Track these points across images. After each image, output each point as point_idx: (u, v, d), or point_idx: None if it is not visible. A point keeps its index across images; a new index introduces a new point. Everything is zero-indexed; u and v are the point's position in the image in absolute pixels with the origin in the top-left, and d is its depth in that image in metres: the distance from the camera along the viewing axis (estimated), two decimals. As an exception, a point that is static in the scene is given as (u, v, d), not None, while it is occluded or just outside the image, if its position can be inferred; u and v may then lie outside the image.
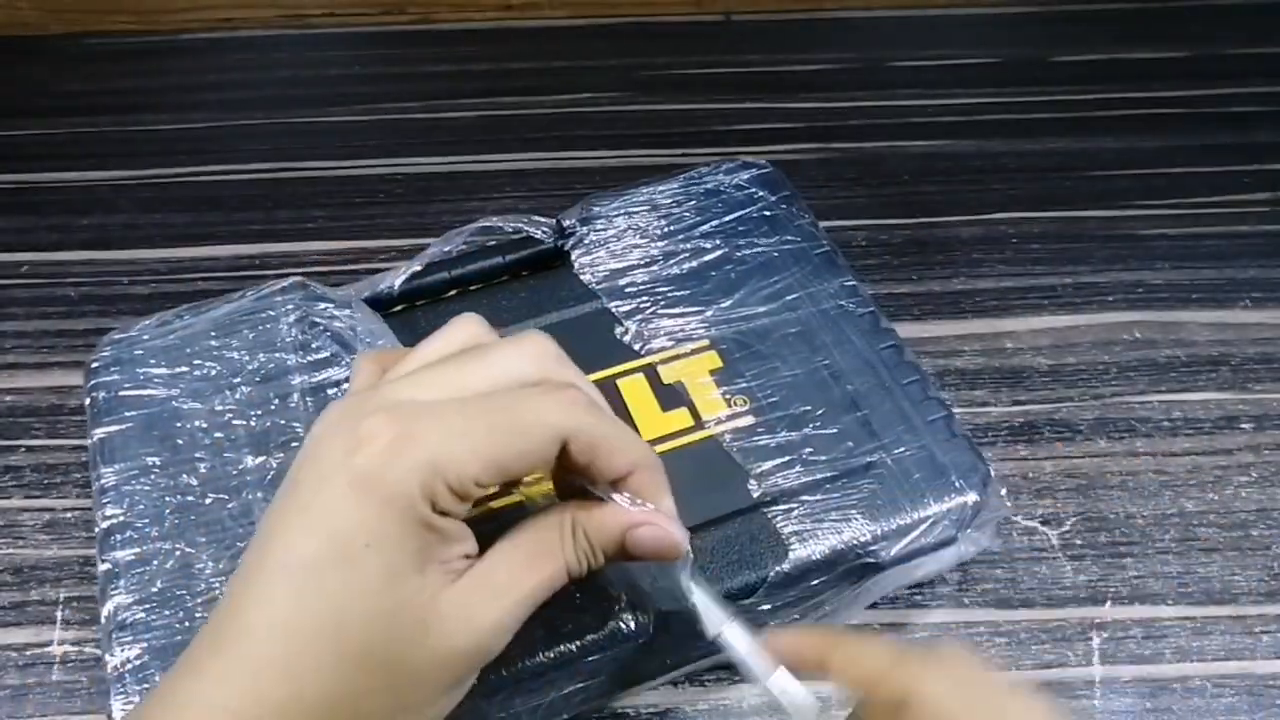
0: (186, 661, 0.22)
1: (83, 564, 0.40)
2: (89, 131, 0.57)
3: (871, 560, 0.33)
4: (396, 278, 0.40)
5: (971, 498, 0.34)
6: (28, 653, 0.37)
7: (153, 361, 0.37)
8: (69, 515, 0.41)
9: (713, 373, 0.37)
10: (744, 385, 0.37)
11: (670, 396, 0.36)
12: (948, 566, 0.36)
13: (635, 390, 0.37)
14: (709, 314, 0.39)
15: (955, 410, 0.44)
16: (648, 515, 0.25)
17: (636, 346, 0.38)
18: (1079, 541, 0.40)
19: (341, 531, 0.21)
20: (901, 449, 0.35)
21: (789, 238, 0.42)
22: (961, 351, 0.46)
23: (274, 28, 0.64)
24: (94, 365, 0.37)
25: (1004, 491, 0.36)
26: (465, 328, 0.26)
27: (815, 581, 0.33)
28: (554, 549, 0.24)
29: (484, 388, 0.24)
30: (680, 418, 0.36)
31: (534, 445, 0.23)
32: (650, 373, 0.37)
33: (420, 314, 0.40)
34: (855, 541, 0.33)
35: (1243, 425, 0.44)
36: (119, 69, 0.62)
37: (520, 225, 0.41)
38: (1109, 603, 0.38)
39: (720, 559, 0.33)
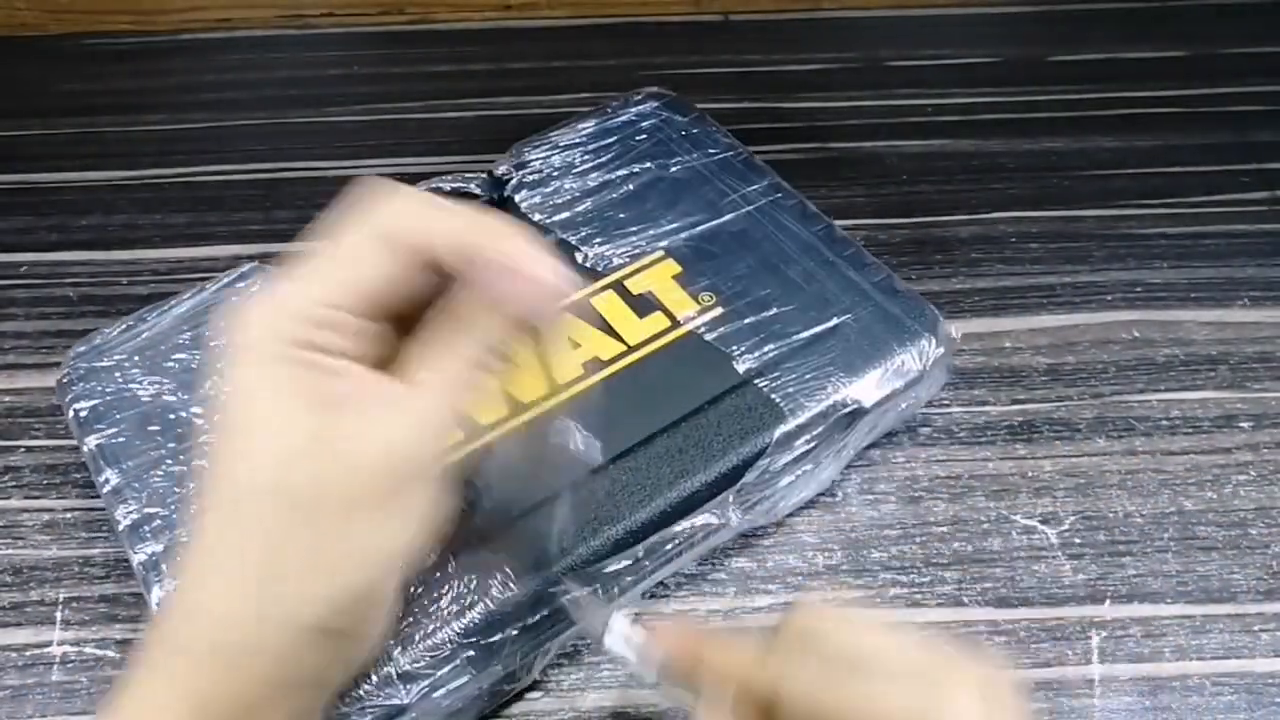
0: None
1: (83, 564, 0.40)
2: (89, 131, 0.57)
3: (856, 407, 0.37)
4: None
5: (927, 337, 0.39)
6: (27, 653, 0.37)
7: (129, 365, 0.38)
8: (69, 515, 0.41)
9: (675, 278, 0.41)
10: (706, 283, 0.41)
11: (643, 305, 0.40)
12: (920, 405, 0.42)
13: (609, 305, 0.40)
14: (657, 229, 0.43)
15: (955, 409, 0.44)
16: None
17: (599, 268, 0.41)
18: (1078, 540, 0.40)
19: (248, 395, 0.23)
20: (858, 309, 0.40)
21: (710, 150, 0.46)
22: (960, 351, 0.46)
23: (273, 28, 0.64)
24: (65, 380, 0.38)
25: (952, 330, 0.41)
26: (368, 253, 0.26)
27: (811, 435, 0.37)
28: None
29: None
30: (657, 320, 0.40)
31: (382, 256, 0.24)
32: (619, 287, 0.40)
33: None
34: (839, 394, 0.37)
35: (1241, 424, 0.44)
36: (119, 69, 0.62)
37: (457, 185, 0.44)
38: (1108, 601, 0.38)
39: (725, 433, 0.36)
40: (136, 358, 0.39)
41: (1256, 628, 0.38)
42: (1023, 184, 0.54)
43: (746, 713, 0.25)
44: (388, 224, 0.24)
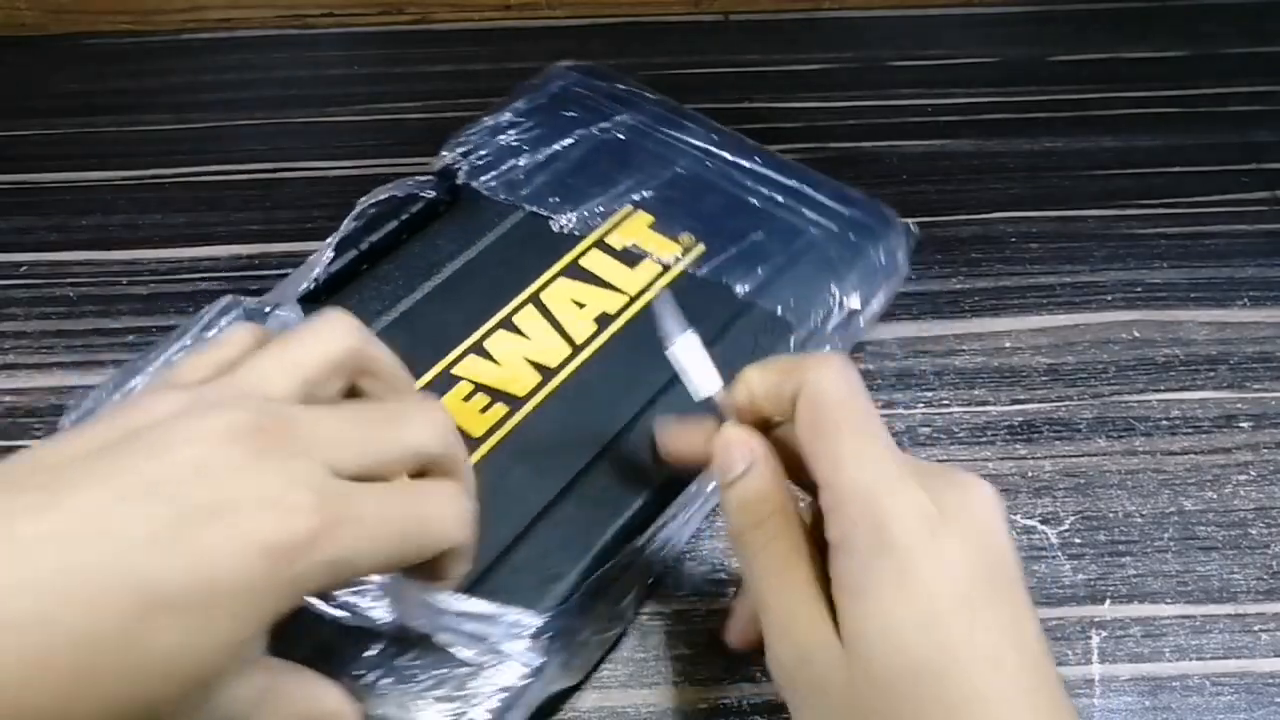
0: None
1: (83, 564, 0.40)
2: (89, 131, 0.57)
3: (852, 308, 0.41)
4: (313, 270, 0.40)
5: (889, 232, 0.44)
6: (28, 652, 0.37)
7: None
8: (69, 515, 0.41)
9: (650, 227, 0.43)
10: (681, 226, 0.43)
11: (629, 256, 0.42)
12: (896, 289, 0.45)
13: (599, 262, 0.42)
14: (618, 186, 0.44)
15: (954, 409, 0.44)
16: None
17: (578, 233, 0.43)
18: (1078, 540, 0.40)
19: (225, 588, 0.20)
20: (824, 220, 0.44)
21: (640, 107, 0.49)
22: (960, 351, 0.47)
23: (273, 28, 0.64)
24: None
25: (910, 225, 0.45)
26: (340, 335, 0.25)
27: (820, 339, 0.40)
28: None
29: (402, 457, 0.24)
30: (648, 268, 0.42)
31: (427, 555, 0.24)
32: (601, 245, 0.42)
33: (356, 293, 0.41)
34: (833, 297, 0.41)
35: (1241, 424, 0.44)
36: (119, 69, 0.62)
37: (411, 191, 0.44)
38: (1108, 601, 0.38)
39: (740, 356, 0.36)
40: None
41: (1256, 628, 0.38)
42: (1023, 184, 0.54)
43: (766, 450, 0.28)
44: (460, 540, 0.25)
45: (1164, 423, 0.44)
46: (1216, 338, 0.47)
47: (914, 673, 0.23)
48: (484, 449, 0.36)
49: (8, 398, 0.45)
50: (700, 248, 0.42)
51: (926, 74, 0.61)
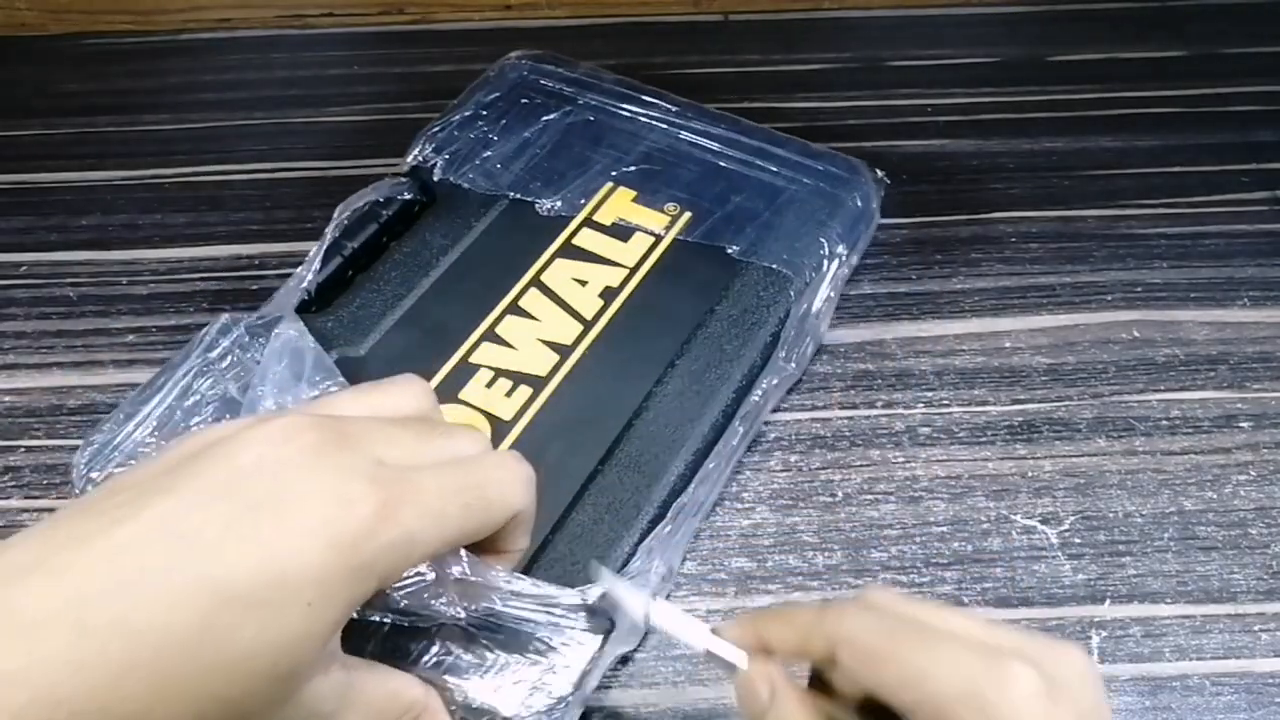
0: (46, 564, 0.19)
1: (83, 564, 0.40)
2: (89, 131, 0.57)
3: (840, 254, 0.43)
4: (303, 280, 0.40)
5: (861, 181, 0.46)
6: (28, 652, 0.37)
7: (149, 442, 0.35)
8: (69, 515, 0.41)
9: (634, 201, 0.44)
10: (664, 197, 0.44)
11: (620, 231, 0.43)
12: (872, 236, 0.47)
13: (592, 239, 0.42)
14: (595, 166, 0.45)
15: (954, 409, 0.44)
16: None
17: (565, 214, 0.43)
18: (1078, 540, 0.40)
19: (294, 580, 0.20)
20: (799, 177, 0.46)
21: (599, 88, 0.49)
22: (960, 351, 0.47)
23: (273, 28, 0.64)
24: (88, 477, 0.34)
25: (877, 171, 0.47)
26: (414, 395, 0.27)
27: (815, 287, 0.42)
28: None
29: (448, 457, 0.25)
30: (640, 240, 0.42)
31: (492, 525, 0.25)
32: (590, 224, 0.43)
33: (356, 296, 0.41)
34: (823, 245, 0.43)
35: (1241, 424, 0.44)
36: (119, 69, 0.62)
37: (387, 195, 0.45)
38: (1108, 601, 0.38)
39: (748, 314, 0.40)
40: (153, 434, 0.35)
41: (1256, 628, 0.38)
42: (1022, 184, 0.54)
43: (821, 670, 0.25)
44: (522, 505, 0.27)
45: (1164, 423, 0.44)
46: (1216, 338, 0.47)
47: None
48: (516, 431, 0.36)
49: (8, 398, 0.45)
50: (687, 215, 0.43)
51: (926, 74, 0.61)
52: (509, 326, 0.39)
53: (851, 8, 0.65)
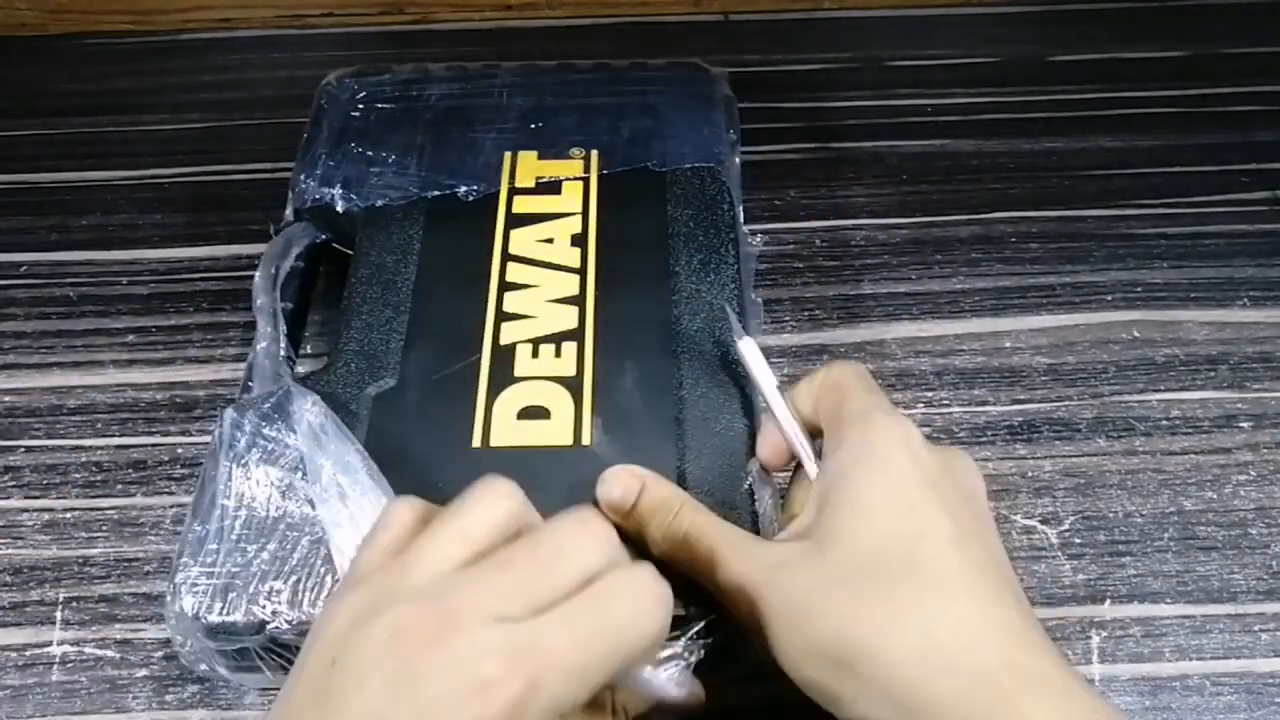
0: None
1: (82, 564, 0.40)
2: (89, 131, 0.57)
3: (733, 140, 0.47)
4: (270, 351, 0.38)
5: (711, 75, 0.50)
6: (27, 653, 0.37)
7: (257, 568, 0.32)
8: (69, 515, 0.41)
9: (540, 159, 0.45)
10: (565, 145, 0.45)
11: (548, 187, 0.44)
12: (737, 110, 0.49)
13: (528, 203, 0.43)
14: (484, 145, 0.46)
15: (954, 409, 0.44)
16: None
17: (487, 191, 0.43)
18: (1078, 540, 0.40)
19: None
20: (658, 88, 0.48)
21: (432, 80, 0.50)
22: (960, 351, 0.47)
23: (273, 28, 0.64)
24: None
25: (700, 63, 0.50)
26: (501, 500, 0.26)
27: (730, 165, 0.45)
28: None
29: (571, 587, 0.23)
30: (571, 189, 0.43)
31: (635, 657, 0.24)
32: (517, 191, 0.43)
33: (348, 344, 0.39)
34: (718, 133, 0.47)
35: (1241, 424, 0.44)
36: (119, 69, 0.62)
37: (300, 239, 0.44)
38: (1108, 601, 0.38)
39: (699, 205, 0.43)
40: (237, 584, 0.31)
41: (1256, 628, 0.38)
42: (1022, 184, 0.54)
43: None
44: (664, 631, 0.25)
45: (1164, 423, 0.44)
46: (1216, 338, 0.47)
47: (883, 550, 0.25)
48: (588, 382, 0.36)
49: (8, 398, 0.45)
50: (594, 153, 0.45)
51: (926, 74, 0.61)
52: (514, 302, 0.39)
53: (851, 8, 0.65)
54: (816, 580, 0.26)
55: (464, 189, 0.43)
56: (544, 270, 0.40)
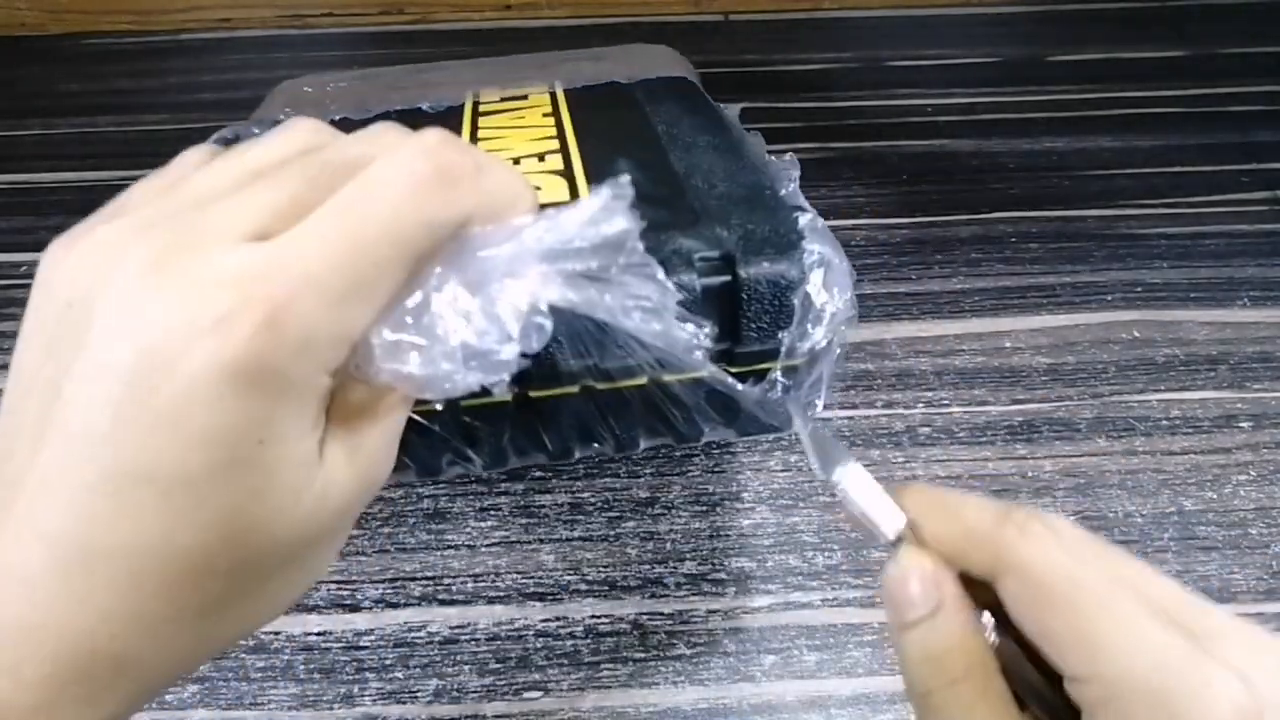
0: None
1: (83, 564, 0.40)
2: (89, 131, 0.57)
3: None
4: None
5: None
6: (28, 652, 0.37)
7: None
8: (69, 515, 0.41)
9: (502, 93, 0.42)
10: (528, 87, 0.42)
11: (515, 98, 0.41)
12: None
13: (496, 107, 0.40)
14: (445, 94, 0.43)
15: (954, 409, 0.44)
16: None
17: (453, 104, 0.41)
18: (1078, 540, 0.40)
19: (224, 437, 0.17)
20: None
21: (380, 79, 0.48)
22: (960, 351, 0.47)
23: (273, 28, 0.64)
24: None
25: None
26: (300, 131, 0.20)
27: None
28: None
29: (323, 193, 0.18)
30: (539, 95, 0.40)
31: (423, 252, 0.18)
32: (482, 104, 0.40)
33: None
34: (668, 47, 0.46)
35: (1241, 424, 0.44)
36: (119, 69, 0.62)
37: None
38: (1108, 601, 0.38)
39: (678, 109, 0.38)
40: None
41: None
42: (1022, 184, 0.54)
43: (969, 583, 0.21)
44: (462, 209, 0.19)
45: (1164, 423, 0.44)
46: (1216, 338, 0.47)
47: None
48: (579, 169, 0.34)
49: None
50: (556, 82, 0.42)
51: (926, 74, 0.61)
52: (490, 121, 0.37)
53: (851, 8, 0.65)
54: None
55: (429, 105, 0.41)
56: (518, 131, 0.38)
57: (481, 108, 0.40)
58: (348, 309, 0.18)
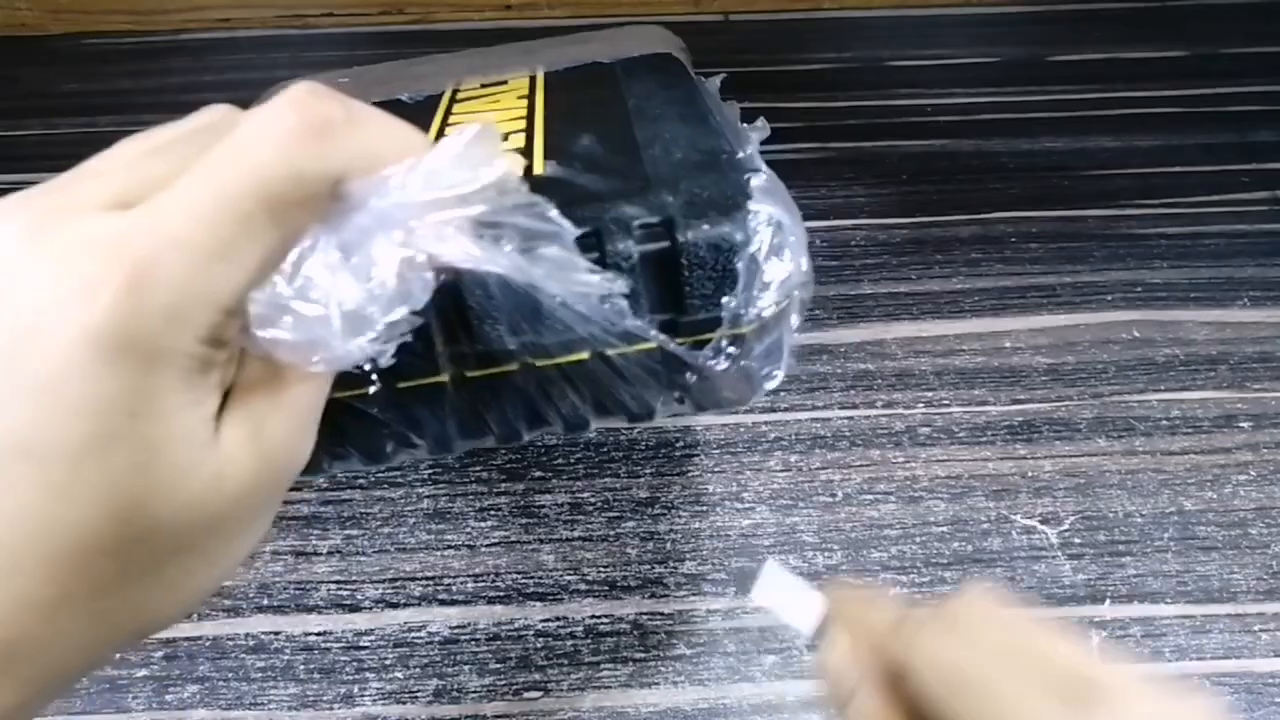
0: None
1: (83, 564, 0.40)
2: (89, 131, 0.57)
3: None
4: None
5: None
6: (28, 652, 0.37)
7: None
8: (69, 515, 0.41)
9: (482, 82, 0.41)
10: (510, 75, 0.41)
11: (494, 85, 0.39)
12: None
13: (473, 93, 0.38)
14: (426, 86, 0.42)
15: (954, 409, 0.44)
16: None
17: (432, 93, 0.39)
18: (1078, 540, 0.40)
19: (98, 407, 0.16)
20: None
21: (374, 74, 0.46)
22: (960, 351, 0.47)
23: (273, 28, 0.64)
24: None
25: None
26: (210, 111, 0.20)
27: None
28: None
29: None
30: (518, 81, 0.39)
31: (295, 206, 0.18)
32: (460, 93, 0.39)
33: None
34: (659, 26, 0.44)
35: (1241, 424, 0.44)
36: (119, 69, 0.62)
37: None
38: (1108, 601, 0.38)
39: (659, 85, 0.36)
40: None
41: (1256, 628, 0.38)
42: (1022, 184, 0.54)
43: (874, 681, 0.22)
44: (333, 160, 0.18)
45: (1164, 423, 0.44)
46: (1216, 338, 0.47)
47: None
48: (538, 141, 0.32)
49: None
50: (539, 67, 0.41)
51: (926, 74, 0.61)
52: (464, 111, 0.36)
53: (851, 8, 0.65)
54: None
55: (408, 96, 0.40)
56: (490, 114, 0.36)
57: (459, 95, 0.39)
58: (215, 269, 0.17)
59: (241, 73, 0.61)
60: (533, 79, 0.40)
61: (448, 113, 0.37)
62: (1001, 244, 0.51)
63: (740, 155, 0.30)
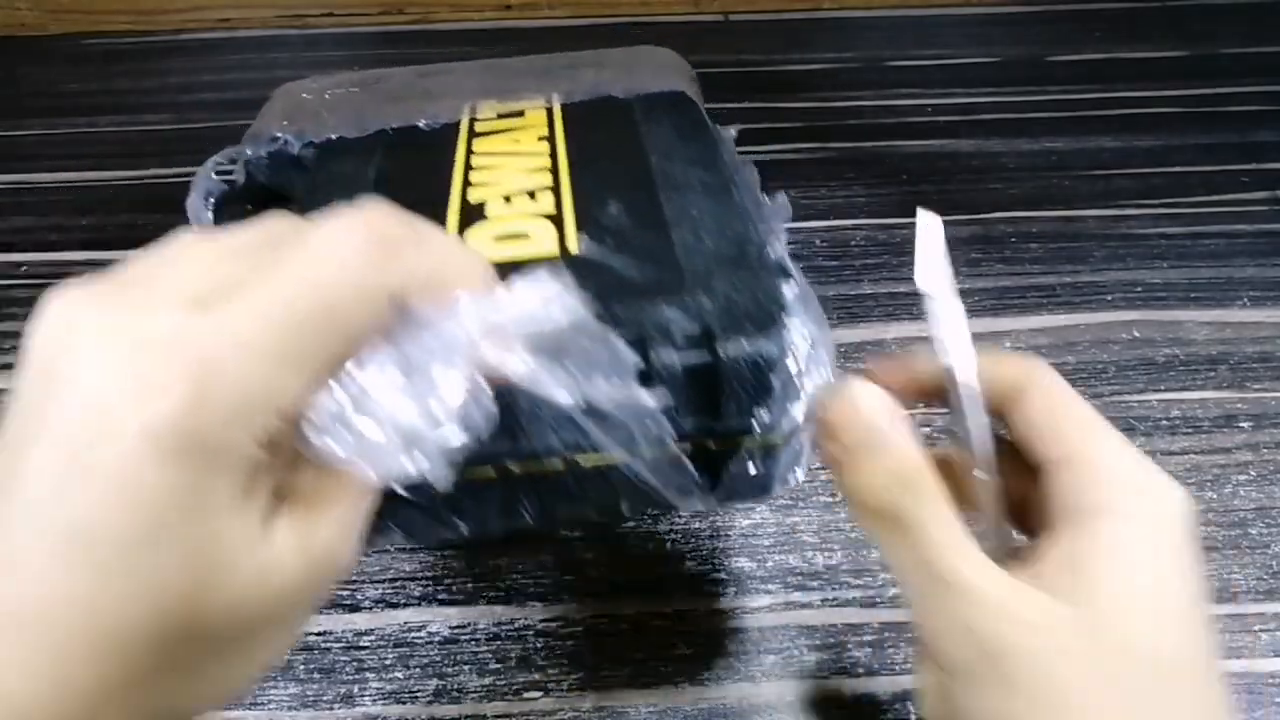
0: None
1: (83, 564, 0.40)
2: (89, 131, 0.57)
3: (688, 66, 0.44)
4: None
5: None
6: (28, 652, 0.37)
7: None
8: (69, 515, 0.41)
9: (500, 103, 0.41)
10: (526, 97, 0.41)
11: (512, 115, 0.40)
12: None
13: (492, 125, 0.39)
14: (443, 101, 0.42)
15: (954, 409, 0.44)
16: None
17: (449, 120, 0.40)
18: (1078, 540, 0.40)
19: (151, 500, 0.17)
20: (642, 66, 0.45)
21: (381, 80, 0.47)
22: (960, 351, 0.47)
23: (273, 28, 0.64)
24: None
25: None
26: (279, 219, 0.21)
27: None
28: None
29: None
30: (536, 111, 0.40)
31: (357, 320, 0.18)
32: (478, 123, 0.40)
33: None
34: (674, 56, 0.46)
35: (1241, 424, 0.44)
36: (119, 69, 0.62)
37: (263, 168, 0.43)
38: (1108, 601, 0.38)
39: (673, 138, 0.37)
40: None
41: (1256, 628, 0.38)
42: (1022, 184, 0.54)
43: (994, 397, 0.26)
44: (394, 279, 0.19)
45: (1164, 423, 0.44)
46: (1216, 338, 0.47)
47: (1176, 658, 0.21)
48: (568, 212, 0.32)
49: (8, 398, 0.45)
50: (554, 95, 0.41)
51: (925, 74, 0.61)
52: (481, 175, 0.36)
53: (851, 8, 0.65)
54: (1089, 668, 0.21)
55: (425, 122, 0.40)
56: (511, 159, 0.37)
57: (477, 127, 0.39)
58: (277, 375, 0.18)
59: (241, 73, 0.61)
60: (549, 111, 0.40)
61: (469, 150, 0.37)
62: (1001, 244, 0.51)
63: (768, 249, 0.31)
